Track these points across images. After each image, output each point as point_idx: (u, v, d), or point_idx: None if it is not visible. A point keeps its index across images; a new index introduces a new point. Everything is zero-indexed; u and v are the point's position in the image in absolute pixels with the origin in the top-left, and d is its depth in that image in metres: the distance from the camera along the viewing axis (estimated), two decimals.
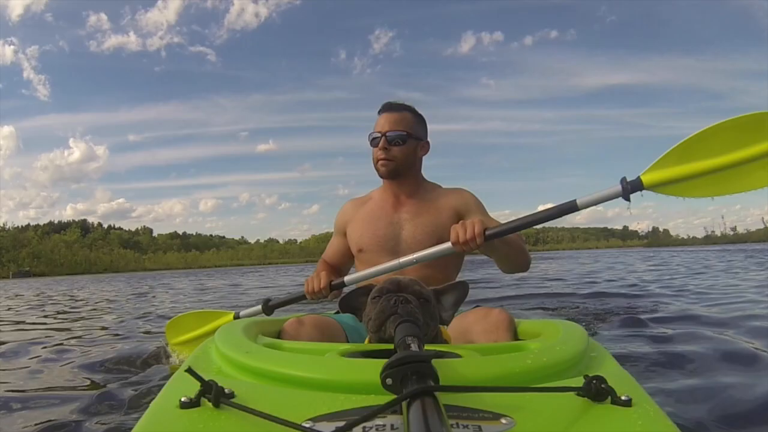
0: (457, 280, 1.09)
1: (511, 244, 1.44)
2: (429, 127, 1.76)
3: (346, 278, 1.53)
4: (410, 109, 1.68)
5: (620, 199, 1.25)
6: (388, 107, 1.68)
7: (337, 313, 1.60)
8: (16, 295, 12.33)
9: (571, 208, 1.28)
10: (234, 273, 26.49)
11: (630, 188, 1.20)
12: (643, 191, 1.21)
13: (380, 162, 1.63)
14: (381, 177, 1.67)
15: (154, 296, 8.80)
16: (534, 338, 1.14)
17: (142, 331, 3.90)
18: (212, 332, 1.92)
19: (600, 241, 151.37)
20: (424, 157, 1.72)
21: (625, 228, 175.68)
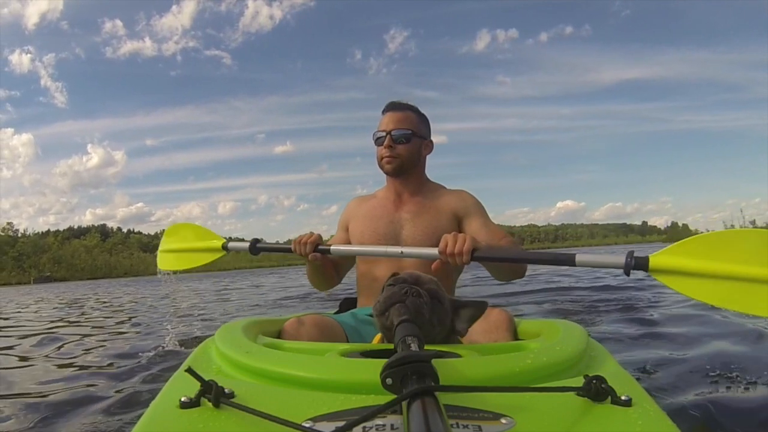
0: (479, 299, 1.08)
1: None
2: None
3: (332, 247, 1.52)
4: (414, 109, 1.70)
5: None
6: (392, 106, 1.69)
7: (337, 313, 1.60)
8: (43, 299, 12.40)
9: (569, 261, 1.23)
10: (255, 275, 26.47)
11: (634, 265, 1.13)
12: (647, 273, 1.13)
13: (385, 159, 1.64)
14: (386, 174, 1.69)
15: (174, 299, 8.83)
16: (534, 338, 1.14)
17: (148, 333, 3.92)
18: (199, 251, 1.91)
19: (619, 237, 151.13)
20: (428, 157, 1.74)
21: (644, 223, 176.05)
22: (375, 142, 1.68)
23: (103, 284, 28.47)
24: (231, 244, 1.81)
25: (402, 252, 1.40)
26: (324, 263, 1.61)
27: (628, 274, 1.15)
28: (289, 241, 1.61)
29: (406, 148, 1.64)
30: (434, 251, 1.30)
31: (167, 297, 8.85)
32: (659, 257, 1.12)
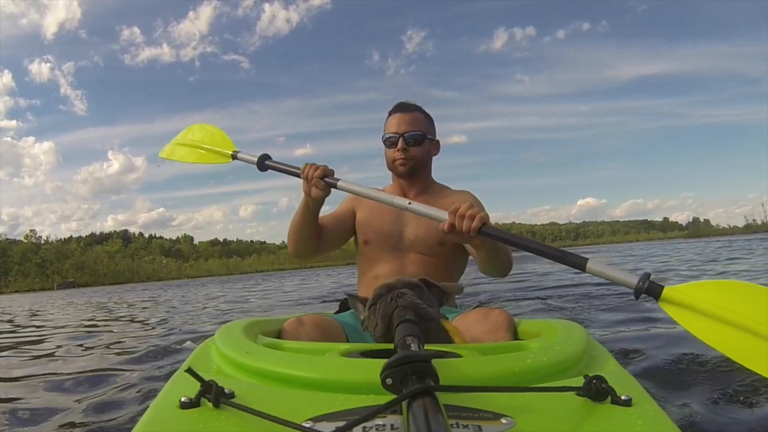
0: (460, 282, 1.10)
1: (501, 247, 1.40)
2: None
3: (340, 182, 1.44)
4: (420, 110, 1.71)
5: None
6: (401, 107, 1.69)
7: (337, 312, 1.60)
8: (72, 303, 12.52)
9: (579, 265, 1.16)
10: (276, 277, 26.45)
11: (644, 289, 1.07)
12: (657, 302, 1.08)
13: (398, 161, 1.64)
14: (399, 175, 1.68)
15: (197, 302, 8.91)
16: (534, 338, 1.14)
17: (160, 334, 3.95)
18: (207, 151, 1.85)
19: (640, 233, 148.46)
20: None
21: (666, 219, 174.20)
22: (385, 143, 1.68)
23: (126, 289, 28.50)
24: (240, 155, 1.76)
25: (410, 203, 1.35)
26: (316, 213, 1.55)
27: (637, 297, 1.10)
28: (297, 167, 1.52)
29: (419, 150, 1.64)
30: (444, 212, 1.25)
31: (191, 302, 8.91)
32: (675, 290, 1.06)
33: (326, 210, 1.59)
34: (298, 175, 1.50)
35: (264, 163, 1.65)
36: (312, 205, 1.51)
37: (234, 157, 1.77)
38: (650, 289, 1.07)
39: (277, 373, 0.80)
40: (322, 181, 1.44)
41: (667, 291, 1.06)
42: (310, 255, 1.66)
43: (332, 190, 1.48)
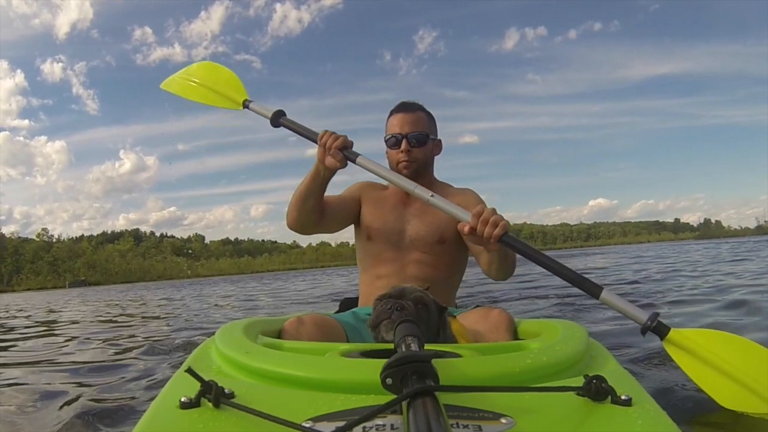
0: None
1: (510, 253, 1.39)
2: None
3: (360, 158, 1.40)
4: (423, 109, 1.69)
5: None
6: (403, 107, 1.67)
7: (338, 312, 1.60)
8: (86, 302, 12.57)
9: (593, 292, 1.17)
10: (288, 276, 26.35)
11: (651, 327, 1.10)
12: (661, 341, 1.11)
13: (402, 163, 1.61)
14: None
15: (209, 299, 8.93)
16: (534, 338, 1.14)
17: (165, 334, 3.96)
18: (217, 93, 1.74)
19: (651, 234, 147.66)
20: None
21: (677, 220, 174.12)
22: (387, 143, 1.65)
23: (138, 287, 28.49)
24: (253, 105, 1.67)
25: (432, 196, 1.34)
26: (325, 184, 1.51)
27: (644, 334, 1.12)
28: (315, 131, 1.46)
29: (422, 151, 1.62)
30: (465, 212, 1.23)
31: (203, 299, 8.94)
32: (680, 334, 1.09)
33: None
34: (314, 141, 1.45)
35: (278, 120, 1.58)
36: (324, 174, 1.46)
37: (245, 105, 1.69)
38: (657, 328, 1.10)
39: (277, 373, 0.80)
40: (341, 152, 1.40)
41: (673, 334, 1.09)
42: (311, 228, 1.61)
43: (347, 165, 1.42)
